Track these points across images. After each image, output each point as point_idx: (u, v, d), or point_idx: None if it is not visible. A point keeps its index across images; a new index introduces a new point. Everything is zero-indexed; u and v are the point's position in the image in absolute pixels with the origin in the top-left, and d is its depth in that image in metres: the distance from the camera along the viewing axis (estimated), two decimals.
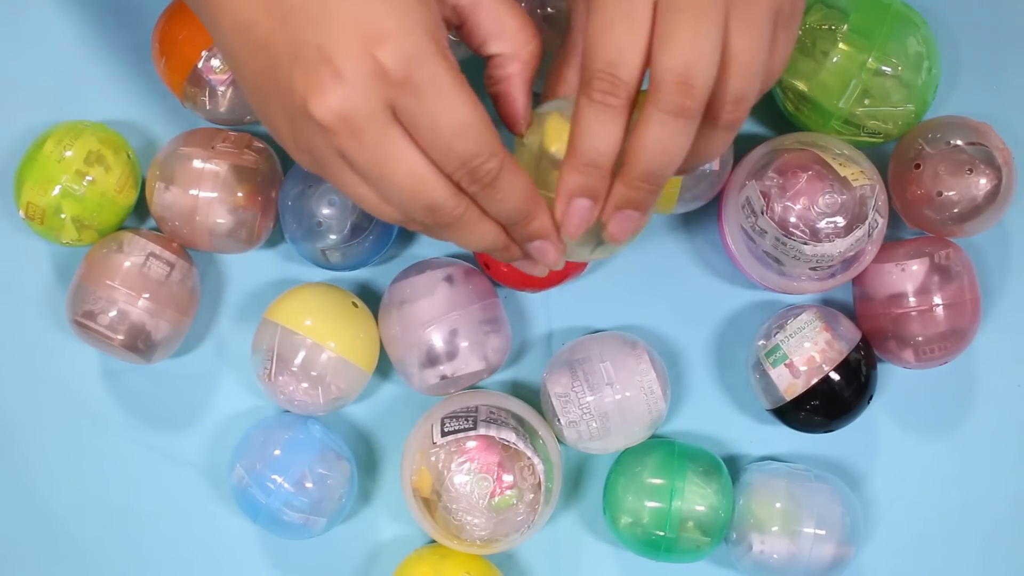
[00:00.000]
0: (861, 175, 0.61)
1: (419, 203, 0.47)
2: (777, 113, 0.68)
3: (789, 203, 0.61)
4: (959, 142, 0.63)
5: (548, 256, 0.51)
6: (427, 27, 0.45)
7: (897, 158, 0.66)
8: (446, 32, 0.48)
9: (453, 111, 0.46)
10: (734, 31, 0.46)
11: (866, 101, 0.63)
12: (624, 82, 0.46)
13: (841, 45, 0.62)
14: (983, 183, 0.63)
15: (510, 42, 0.51)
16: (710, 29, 0.45)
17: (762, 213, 0.61)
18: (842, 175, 0.61)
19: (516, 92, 0.52)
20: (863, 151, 0.64)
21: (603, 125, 0.47)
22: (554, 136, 0.51)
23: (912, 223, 0.66)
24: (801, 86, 0.64)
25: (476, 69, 0.56)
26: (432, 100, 0.45)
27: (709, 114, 0.47)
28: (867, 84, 0.62)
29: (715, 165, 0.64)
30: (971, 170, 0.63)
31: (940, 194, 0.63)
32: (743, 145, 0.66)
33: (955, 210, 0.63)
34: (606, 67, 0.46)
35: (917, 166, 0.64)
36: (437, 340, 0.64)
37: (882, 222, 0.63)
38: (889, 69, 0.62)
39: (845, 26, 0.62)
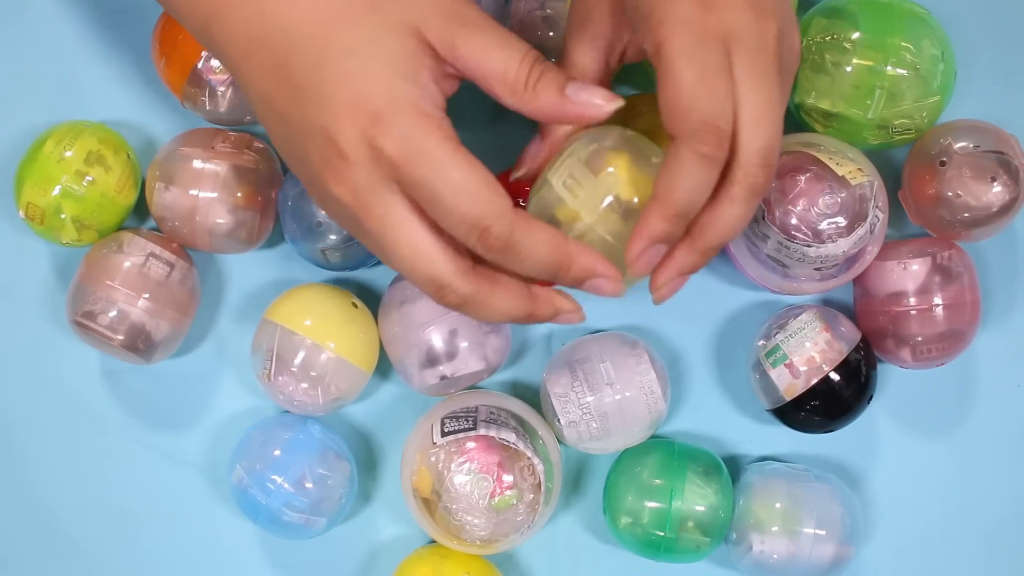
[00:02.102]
0: (859, 173, 0.61)
1: (420, 276, 0.49)
2: None
3: (789, 206, 0.61)
4: (986, 148, 0.63)
5: (604, 290, 0.51)
6: (413, 103, 0.47)
7: (918, 153, 0.65)
8: (440, 102, 0.48)
9: (448, 179, 0.47)
10: (749, 89, 0.49)
11: (892, 104, 0.62)
12: (726, 135, 0.48)
13: (856, 59, 0.62)
14: (1002, 194, 0.63)
15: (509, 95, 0.50)
16: (776, 108, 0.49)
17: (763, 218, 0.61)
18: (840, 174, 0.61)
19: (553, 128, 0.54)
20: (896, 151, 0.64)
21: (704, 177, 0.48)
22: (628, 182, 0.51)
23: (918, 220, 0.66)
24: (825, 106, 0.63)
25: None
26: (427, 171, 0.47)
27: (735, 175, 0.50)
28: (891, 88, 0.62)
29: None
30: (994, 178, 0.63)
31: (959, 196, 0.63)
32: None
33: (967, 214, 0.63)
34: (711, 119, 0.47)
35: (942, 163, 0.63)
36: (437, 340, 0.64)
37: (883, 217, 0.63)
38: (907, 71, 0.62)
39: (855, 34, 0.62)
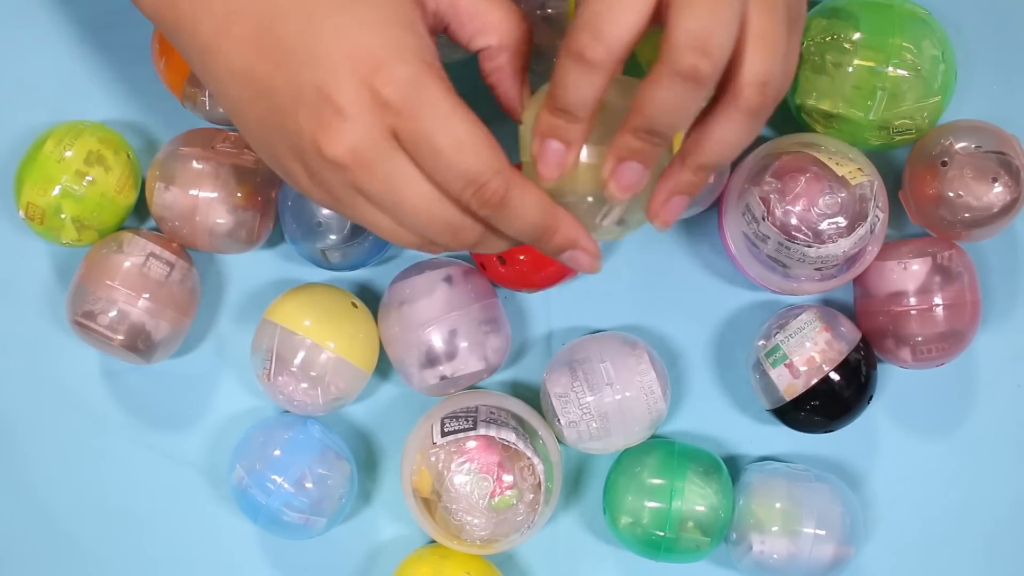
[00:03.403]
0: (859, 172, 0.61)
1: (437, 224, 0.48)
2: (776, 115, 0.68)
3: (789, 207, 0.61)
4: (988, 148, 0.63)
5: (582, 264, 0.51)
6: (418, 53, 0.46)
7: (919, 153, 0.65)
8: (437, 54, 0.48)
9: (450, 131, 0.46)
10: (754, 12, 0.46)
11: (893, 104, 0.62)
12: (715, 59, 0.45)
13: (858, 60, 0.62)
14: (1003, 194, 0.63)
15: (495, 33, 0.51)
16: (730, 3, 0.45)
17: (763, 219, 0.61)
18: (840, 174, 0.61)
19: (508, 81, 0.52)
20: (896, 151, 0.64)
21: (680, 93, 0.46)
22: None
23: (918, 220, 0.66)
24: (826, 107, 0.63)
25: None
26: (429, 122, 0.46)
27: (732, 95, 0.47)
28: (892, 89, 0.62)
29: (710, 176, 0.63)
30: (995, 179, 0.63)
31: (960, 196, 0.63)
32: None
33: (968, 215, 0.63)
34: (698, 37, 0.45)
35: (944, 163, 0.63)
36: (437, 340, 0.64)
37: (883, 217, 0.63)
38: (908, 72, 0.62)
39: (856, 35, 0.62)
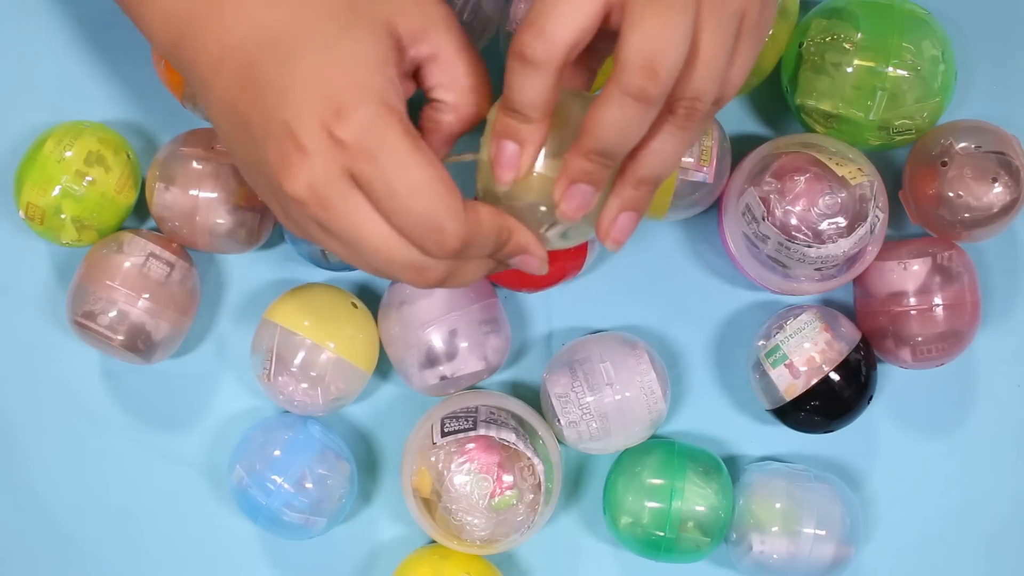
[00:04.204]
0: (859, 173, 0.61)
1: (398, 263, 0.48)
2: (776, 115, 0.68)
3: (789, 207, 0.61)
4: (987, 148, 0.63)
5: (532, 266, 0.52)
6: (382, 94, 0.47)
7: (919, 153, 0.65)
8: (403, 96, 0.49)
9: (406, 174, 0.46)
10: (704, 29, 0.46)
11: (893, 105, 0.62)
12: (662, 78, 0.46)
13: (858, 60, 0.62)
14: (1003, 194, 0.63)
15: (457, 95, 0.52)
16: (680, 21, 0.45)
17: (763, 219, 0.61)
18: (840, 174, 0.61)
19: (440, 139, 0.53)
20: (896, 151, 0.64)
21: (629, 114, 0.46)
22: None
23: (918, 220, 0.66)
24: (826, 107, 0.63)
25: None
26: (385, 165, 0.46)
27: (671, 110, 0.47)
28: (892, 89, 0.62)
29: (709, 177, 0.64)
30: (995, 179, 0.63)
31: (960, 196, 0.63)
32: (738, 148, 0.66)
33: (968, 215, 0.63)
34: (648, 56, 0.45)
35: (944, 163, 0.63)
36: (437, 340, 0.64)
37: (883, 217, 0.63)
38: (908, 72, 0.62)
39: (856, 35, 0.62)
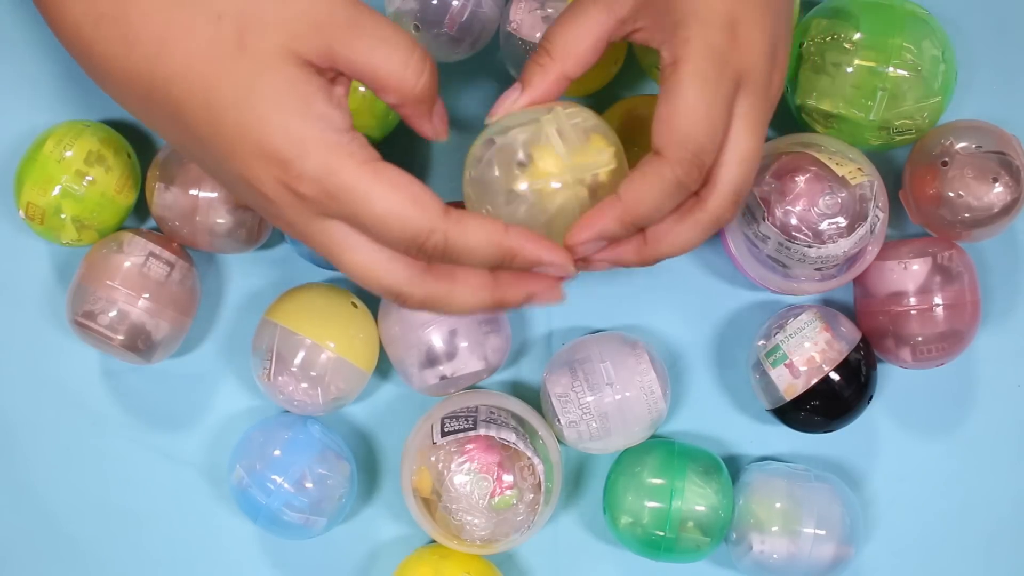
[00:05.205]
0: (859, 172, 0.61)
1: (377, 287, 0.49)
2: (776, 115, 0.68)
3: (789, 207, 0.61)
4: (988, 148, 0.63)
5: (557, 271, 0.51)
6: (317, 139, 0.46)
7: (919, 153, 0.65)
8: (347, 117, 0.47)
9: (371, 207, 0.47)
10: (739, 119, 0.50)
11: (893, 105, 0.62)
12: (707, 170, 0.50)
13: (858, 60, 0.62)
14: (1004, 194, 0.63)
15: (394, 93, 0.49)
16: (760, 154, 0.51)
17: (763, 219, 0.61)
18: (840, 174, 0.61)
19: (420, 125, 0.52)
20: (896, 150, 0.64)
21: (673, 200, 0.50)
22: (614, 171, 0.52)
23: (918, 220, 0.66)
24: (826, 107, 0.63)
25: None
26: (350, 204, 0.47)
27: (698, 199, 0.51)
28: (892, 89, 0.62)
29: None
30: (996, 179, 0.63)
31: (960, 196, 0.63)
32: None
33: (968, 215, 0.63)
34: (700, 152, 0.49)
35: (944, 163, 0.63)
36: (436, 340, 0.64)
37: (883, 217, 0.63)
38: (908, 72, 0.62)
39: (856, 35, 0.62)
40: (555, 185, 0.50)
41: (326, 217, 0.48)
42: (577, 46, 0.51)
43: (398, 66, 0.48)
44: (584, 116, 0.52)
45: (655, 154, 0.49)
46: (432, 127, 0.52)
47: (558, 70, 0.51)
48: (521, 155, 0.51)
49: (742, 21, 0.49)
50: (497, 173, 0.51)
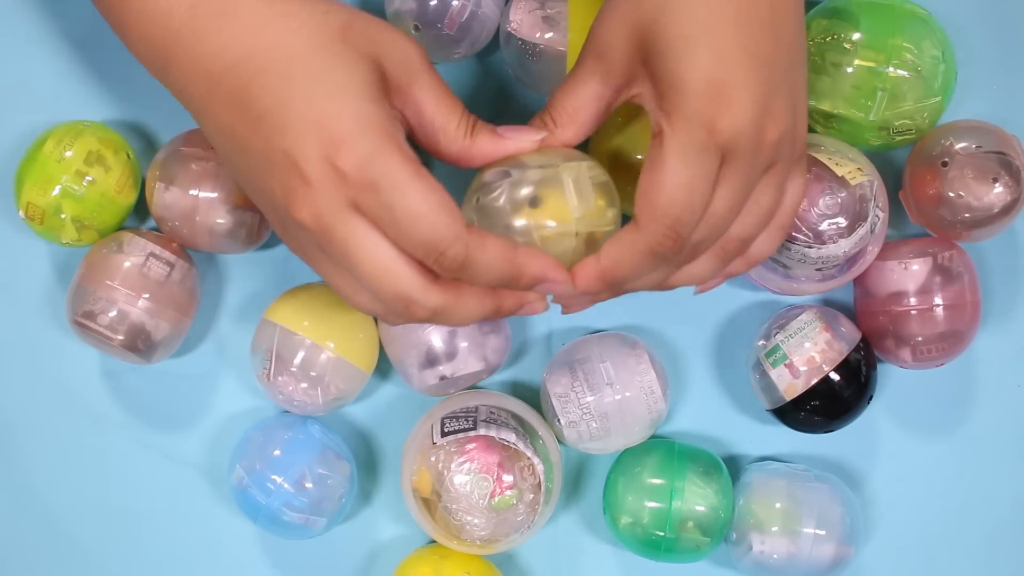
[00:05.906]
0: (859, 172, 0.61)
1: (388, 293, 0.49)
2: None
3: None
4: (988, 148, 0.63)
5: (557, 294, 0.52)
6: (382, 126, 0.48)
7: (919, 153, 0.65)
8: (400, 126, 0.50)
9: (407, 202, 0.47)
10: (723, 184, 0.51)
11: (893, 105, 0.62)
12: (687, 242, 0.51)
13: (858, 60, 0.62)
14: (1004, 195, 0.63)
15: (448, 153, 0.52)
16: (706, 174, 0.50)
17: None
18: (840, 174, 0.61)
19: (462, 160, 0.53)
20: (896, 151, 0.64)
21: (652, 267, 0.51)
22: (609, 223, 0.53)
23: (918, 220, 0.66)
24: (826, 107, 0.63)
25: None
26: (388, 194, 0.47)
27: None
28: (892, 90, 0.62)
29: None
30: (996, 179, 0.63)
31: (960, 196, 0.63)
32: None
33: (968, 215, 0.63)
34: (680, 225, 0.50)
35: (944, 163, 0.63)
36: (436, 340, 0.64)
37: (883, 216, 0.63)
38: (908, 72, 0.62)
39: (856, 35, 0.62)
40: (557, 231, 0.51)
41: (354, 211, 0.48)
42: (577, 116, 0.53)
43: (455, 116, 0.51)
44: (597, 172, 0.53)
45: (633, 221, 0.50)
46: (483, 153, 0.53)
47: (559, 140, 0.53)
48: (533, 195, 0.51)
49: (728, 83, 0.48)
50: (504, 205, 0.51)
